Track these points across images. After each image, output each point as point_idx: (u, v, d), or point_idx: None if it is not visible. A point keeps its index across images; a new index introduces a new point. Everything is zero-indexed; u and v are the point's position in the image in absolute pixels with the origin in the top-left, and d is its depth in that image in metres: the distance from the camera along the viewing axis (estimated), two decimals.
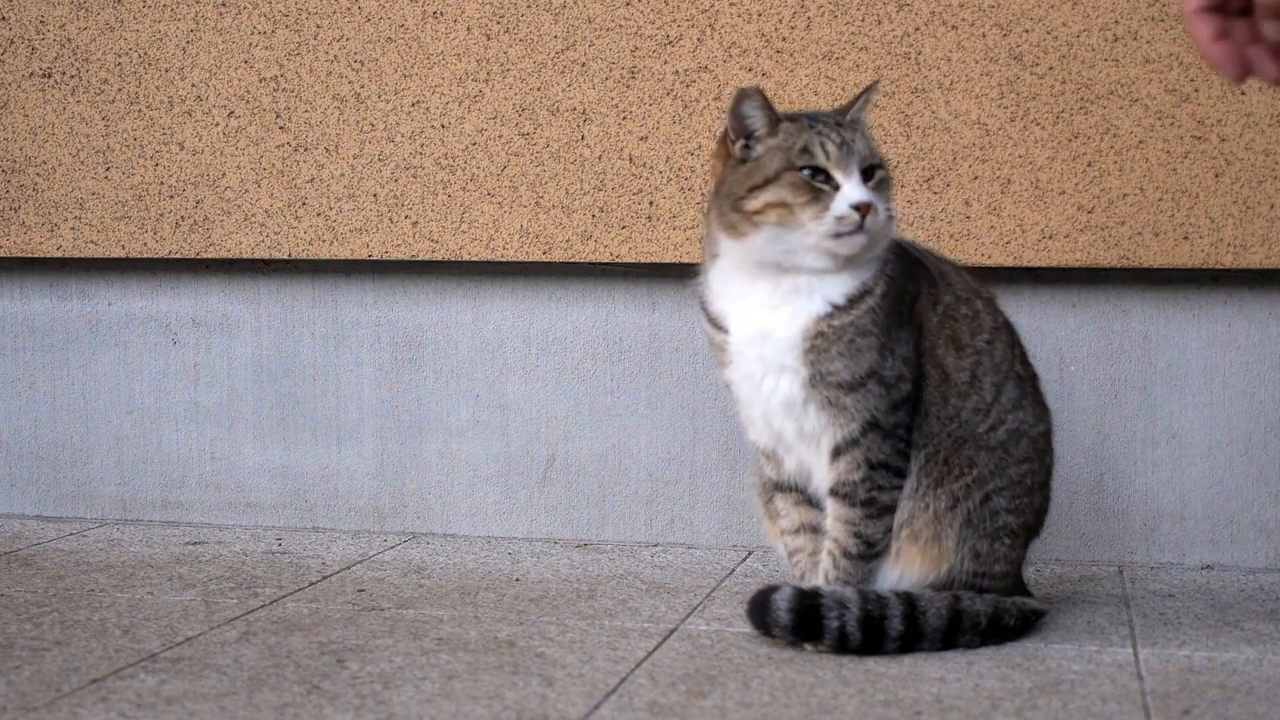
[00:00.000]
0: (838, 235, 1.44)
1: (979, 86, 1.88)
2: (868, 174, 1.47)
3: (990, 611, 1.49)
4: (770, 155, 1.47)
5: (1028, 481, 1.54)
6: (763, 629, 1.48)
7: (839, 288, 1.48)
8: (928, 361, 1.51)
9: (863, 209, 1.43)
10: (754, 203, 1.46)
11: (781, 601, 1.46)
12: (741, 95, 1.47)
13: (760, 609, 1.47)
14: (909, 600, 1.47)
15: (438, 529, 2.11)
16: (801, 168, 1.45)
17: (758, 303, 1.50)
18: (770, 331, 1.49)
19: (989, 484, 1.51)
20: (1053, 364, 1.92)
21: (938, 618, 1.47)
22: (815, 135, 1.46)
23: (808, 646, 1.47)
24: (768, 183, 1.46)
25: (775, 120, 1.48)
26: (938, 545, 1.50)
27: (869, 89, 1.55)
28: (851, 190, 1.44)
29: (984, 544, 1.51)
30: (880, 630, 1.45)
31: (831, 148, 1.46)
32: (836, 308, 1.48)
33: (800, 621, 1.45)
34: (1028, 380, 1.57)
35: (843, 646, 1.45)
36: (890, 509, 1.51)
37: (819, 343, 1.48)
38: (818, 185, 1.45)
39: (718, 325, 1.54)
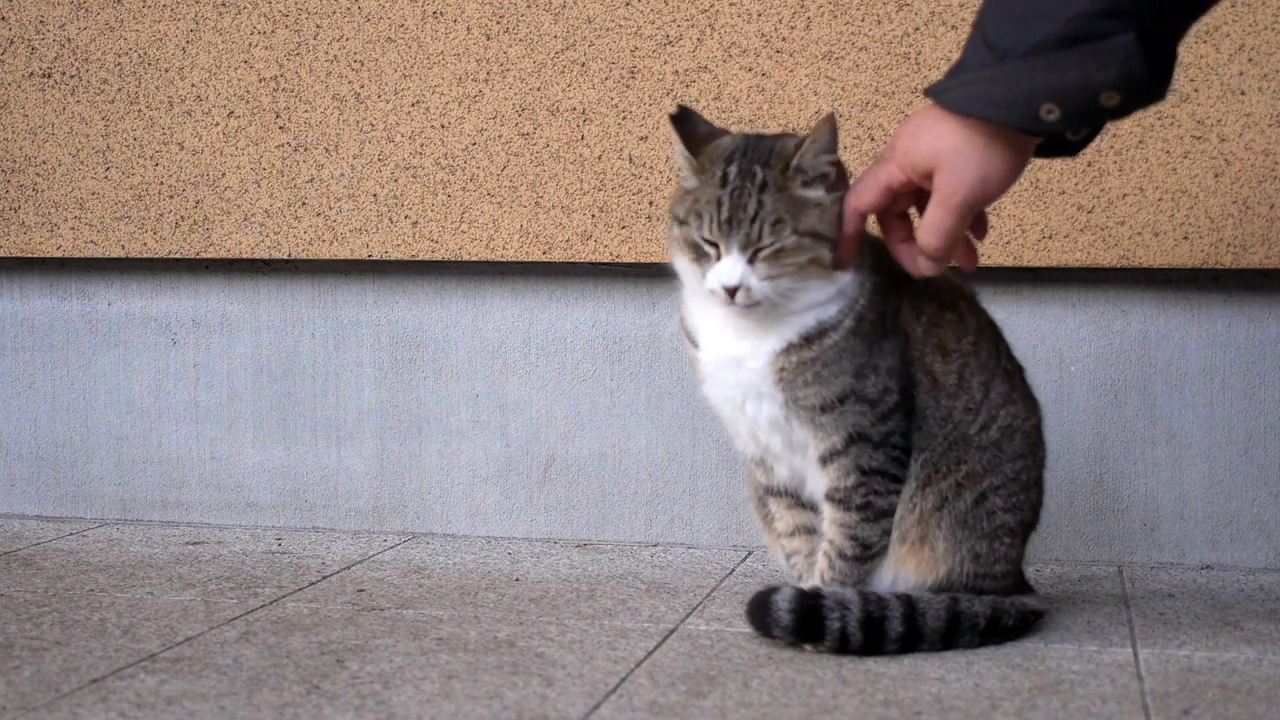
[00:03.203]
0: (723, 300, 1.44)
1: None
2: (758, 249, 1.42)
3: (989, 613, 1.49)
4: (689, 195, 1.46)
5: (1023, 478, 1.54)
6: (763, 630, 1.48)
7: (794, 328, 1.46)
8: (918, 369, 1.50)
9: (730, 291, 1.42)
10: (674, 231, 1.48)
11: (782, 602, 1.46)
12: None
13: (761, 610, 1.47)
14: (908, 602, 1.47)
15: (438, 529, 2.12)
16: (692, 222, 1.45)
17: (724, 327, 1.49)
18: (742, 359, 1.48)
19: (983, 482, 1.51)
20: (1053, 364, 1.92)
21: (936, 619, 1.47)
22: (709, 202, 1.43)
23: (807, 647, 1.47)
24: (680, 222, 1.46)
25: (696, 158, 1.47)
26: (927, 547, 1.50)
27: (827, 127, 1.43)
28: (722, 269, 1.42)
29: (983, 545, 1.51)
30: (880, 631, 1.45)
31: (714, 222, 1.42)
32: (792, 345, 1.46)
33: (801, 622, 1.45)
34: (1015, 374, 1.57)
35: (843, 647, 1.45)
36: (888, 513, 1.51)
37: (785, 374, 1.47)
38: (703, 248, 1.44)
39: (691, 340, 1.54)
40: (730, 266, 1.42)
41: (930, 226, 1.38)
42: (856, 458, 1.49)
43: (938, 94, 1.36)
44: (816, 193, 1.44)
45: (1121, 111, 1.30)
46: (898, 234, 1.46)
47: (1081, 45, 1.26)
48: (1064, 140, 1.38)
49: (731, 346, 1.49)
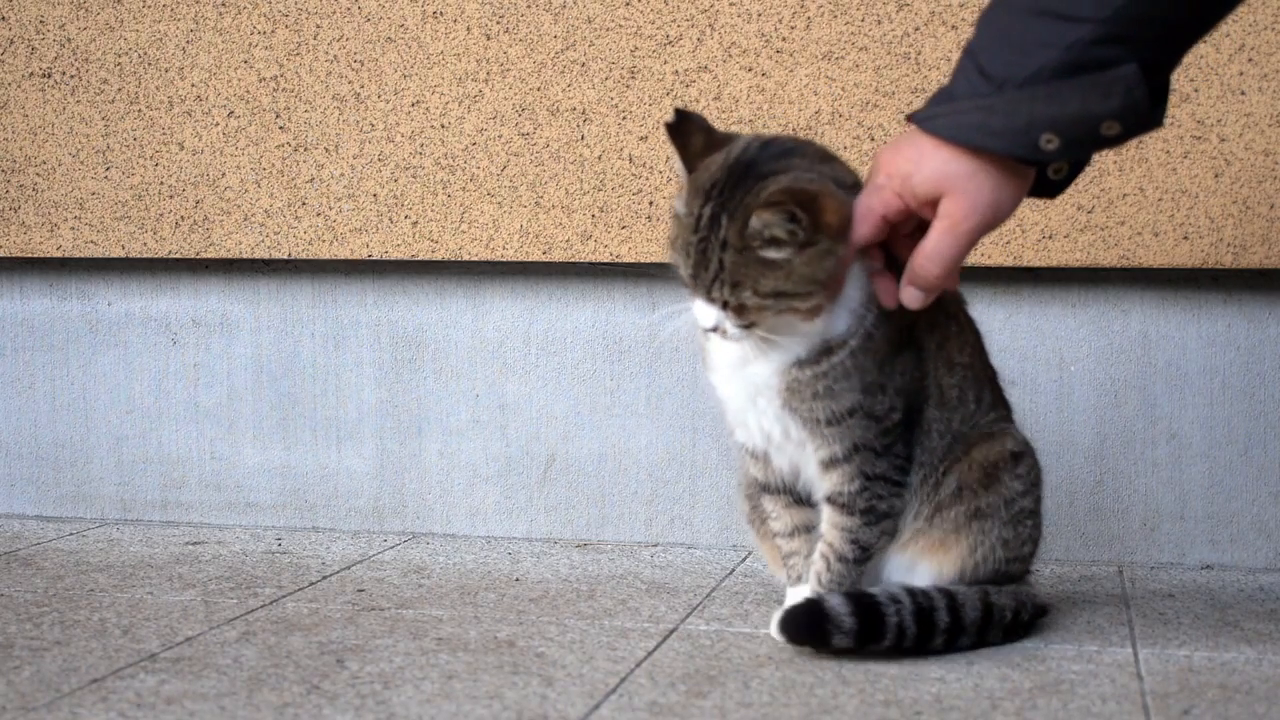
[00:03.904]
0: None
1: None
2: (725, 303, 1.40)
3: (1013, 605, 1.50)
4: (678, 221, 1.43)
5: (1029, 454, 1.55)
6: (820, 642, 1.43)
7: (802, 344, 1.44)
8: (930, 383, 1.50)
9: (709, 329, 1.42)
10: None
11: (840, 606, 1.43)
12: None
13: (816, 619, 1.43)
14: (948, 594, 1.47)
15: (438, 529, 2.12)
16: (672, 253, 1.44)
17: None
18: (748, 362, 1.48)
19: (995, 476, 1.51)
20: (1053, 364, 1.92)
21: (974, 610, 1.47)
22: (683, 245, 1.41)
23: (823, 650, 1.45)
24: (670, 243, 1.45)
25: (689, 175, 1.43)
26: (946, 542, 1.50)
27: (769, 211, 1.34)
28: (697, 310, 1.43)
29: (1009, 530, 1.51)
30: (931, 623, 1.44)
31: (684, 269, 1.42)
32: (801, 360, 1.45)
33: (864, 623, 1.43)
34: (993, 380, 1.58)
35: (899, 643, 1.43)
36: (888, 515, 1.51)
37: (794, 386, 1.46)
38: (684, 278, 1.44)
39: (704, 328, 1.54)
40: (704, 311, 1.42)
41: (933, 254, 1.36)
42: (861, 464, 1.48)
43: (924, 121, 1.34)
44: (780, 253, 1.37)
45: (1120, 140, 1.30)
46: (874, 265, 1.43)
47: (1082, 75, 1.25)
48: (1046, 180, 1.38)
49: (740, 348, 1.48)
